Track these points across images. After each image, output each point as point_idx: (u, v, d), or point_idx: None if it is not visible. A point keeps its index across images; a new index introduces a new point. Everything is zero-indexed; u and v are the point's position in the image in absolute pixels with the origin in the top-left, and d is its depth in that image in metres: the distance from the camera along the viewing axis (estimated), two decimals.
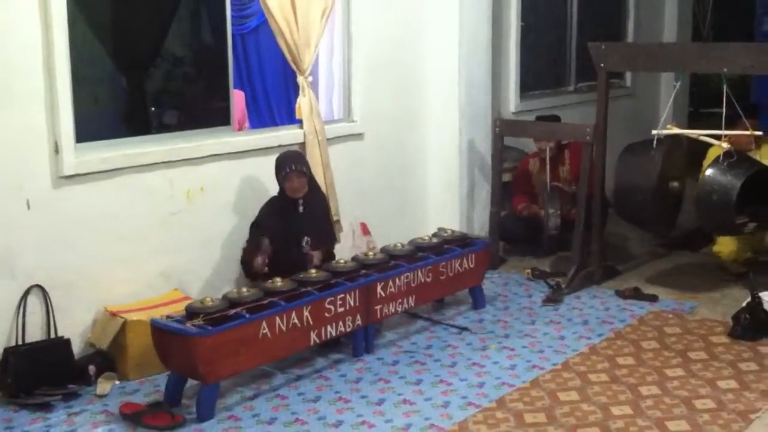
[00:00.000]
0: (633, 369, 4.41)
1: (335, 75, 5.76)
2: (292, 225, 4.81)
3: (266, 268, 4.65)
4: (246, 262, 4.76)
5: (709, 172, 5.17)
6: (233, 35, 5.30)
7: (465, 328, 5.00)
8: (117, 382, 4.29)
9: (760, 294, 4.84)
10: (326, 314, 4.38)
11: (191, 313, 3.99)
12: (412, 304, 4.91)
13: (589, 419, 3.88)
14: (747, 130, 5.21)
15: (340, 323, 4.46)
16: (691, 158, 5.91)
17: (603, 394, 4.13)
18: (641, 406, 3.99)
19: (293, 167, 4.80)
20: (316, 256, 4.87)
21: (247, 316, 4.04)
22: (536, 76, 7.32)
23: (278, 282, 4.34)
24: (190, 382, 4.09)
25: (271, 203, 4.89)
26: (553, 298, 5.45)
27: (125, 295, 4.53)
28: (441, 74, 6.11)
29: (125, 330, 4.29)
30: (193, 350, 3.86)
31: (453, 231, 5.42)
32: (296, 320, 4.22)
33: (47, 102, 4.20)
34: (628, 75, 8.23)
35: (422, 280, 4.90)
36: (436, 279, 4.99)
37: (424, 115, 6.17)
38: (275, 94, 6.30)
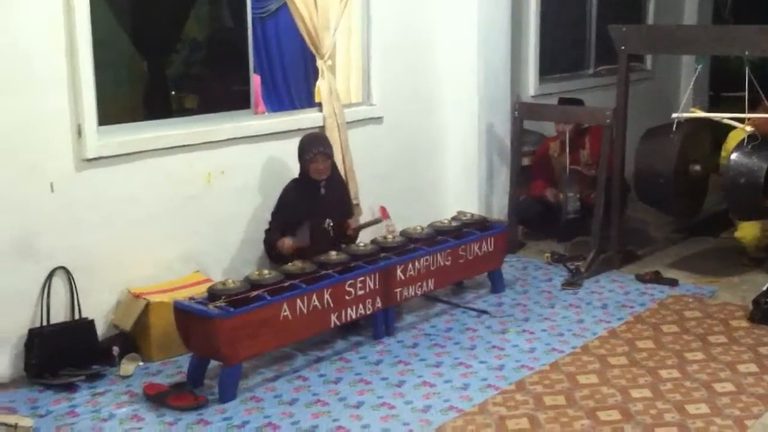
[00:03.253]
0: (652, 352, 4.41)
1: (354, 58, 5.75)
2: (314, 207, 4.84)
3: (292, 251, 4.67)
4: (271, 244, 4.79)
5: (734, 156, 5.15)
6: (253, 19, 5.31)
7: (484, 312, 5.02)
8: (140, 363, 4.34)
9: None
10: (346, 297, 4.40)
11: (213, 294, 4.03)
12: (432, 288, 4.93)
13: (608, 402, 3.89)
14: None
15: (360, 306, 4.48)
16: (714, 142, 5.88)
17: (622, 377, 4.14)
18: (661, 389, 4.00)
19: (320, 149, 4.83)
20: (352, 224, 4.95)
21: (269, 298, 4.07)
22: (556, 59, 7.27)
23: (299, 264, 4.36)
24: (212, 364, 4.13)
25: (293, 185, 4.91)
26: (573, 282, 5.45)
27: (148, 277, 4.57)
28: (459, 57, 6.09)
29: (148, 311, 4.34)
30: (215, 332, 3.90)
31: (472, 214, 5.43)
32: (317, 302, 4.25)
33: (70, 85, 4.23)
34: (648, 58, 8.17)
35: (441, 263, 4.92)
36: (455, 262, 5.00)
37: (443, 99, 6.16)
38: (294, 77, 6.30)
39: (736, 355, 4.35)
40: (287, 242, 4.69)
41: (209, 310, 3.93)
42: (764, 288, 4.86)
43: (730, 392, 3.95)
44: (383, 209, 5.33)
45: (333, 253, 4.55)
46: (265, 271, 4.27)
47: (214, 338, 3.92)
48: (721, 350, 4.42)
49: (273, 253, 4.78)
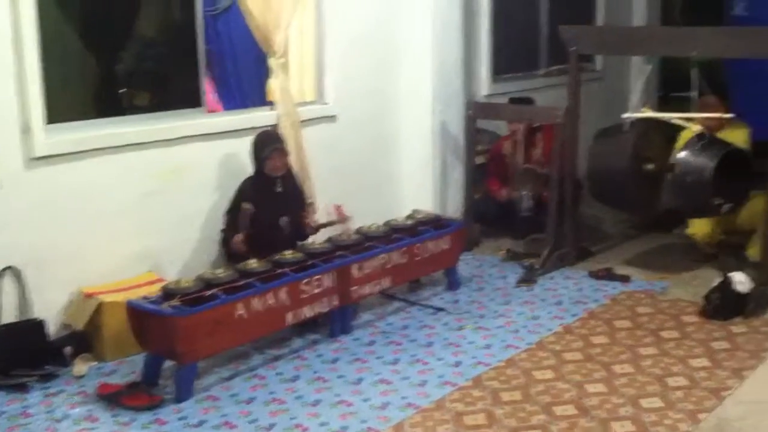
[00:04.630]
0: (607, 348, 4.46)
1: (307, 57, 5.72)
2: (270, 204, 4.81)
3: (245, 247, 4.63)
4: (227, 243, 4.75)
5: (682, 154, 5.22)
6: (204, 16, 5.26)
7: (441, 309, 5.03)
8: (94, 363, 4.26)
9: (731, 274, 4.92)
10: (302, 295, 4.38)
11: (168, 294, 3.98)
12: (388, 285, 4.93)
13: (563, 397, 3.92)
14: (717, 112, 5.26)
15: (317, 304, 4.46)
16: (667, 141, 5.95)
17: (577, 372, 4.18)
18: (615, 383, 4.05)
19: (277, 145, 4.83)
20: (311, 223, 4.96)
21: (224, 296, 4.03)
22: (508, 59, 7.31)
23: (254, 263, 4.33)
24: (168, 363, 4.07)
25: (249, 183, 4.87)
26: (528, 279, 5.49)
27: (100, 276, 4.50)
28: (414, 57, 6.09)
29: (101, 311, 4.27)
30: (170, 331, 3.85)
31: (427, 212, 5.44)
32: (272, 301, 4.22)
33: (16, 82, 4.14)
34: (599, 58, 8.27)
35: (397, 261, 4.92)
36: (411, 260, 5.01)
37: (398, 98, 6.16)
38: (247, 75, 6.25)
39: (689, 350, 4.42)
40: (237, 238, 4.65)
41: (164, 310, 3.88)
42: (715, 284, 4.94)
43: (683, 386, 4.00)
44: (338, 207, 5.30)
45: (288, 252, 4.51)
46: (220, 270, 4.23)
47: (169, 337, 3.87)
48: (674, 345, 4.48)
49: (231, 253, 4.73)
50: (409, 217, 5.33)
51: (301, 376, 4.18)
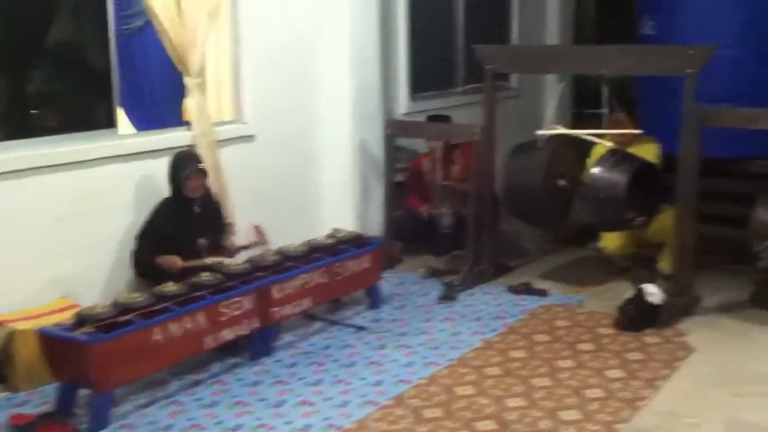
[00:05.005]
0: (525, 362, 4.52)
1: (224, 76, 5.68)
2: (188, 226, 4.75)
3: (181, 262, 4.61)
4: (146, 264, 4.66)
5: (595, 170, 5.34)
6: (117, 35, 5.17)
7: (362, 328, 5.03)
8: (5, 394, 4.12)
9: (644, 286, 5.05)
10: (221, 318, 4.32)
11: (81, 320, 3.88)
12: (309, 306, 4.91)
13: (484, 412, 3.96)
14: (627, 128, 5.41)
15: (236, 327, 4.41)
16: (580, 157, 6.09)
17: (497, 387, 4.22)
18: (534, 397, 4.10)
19: (196, 166, 4.79)
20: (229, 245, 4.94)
21: (139, 321, 3.94)
22: (426, 77, 7.40)
23: (171, 286, 4.25)
24: (83, 391, 3.96)
25: (166, 204, 4.79)
26: (448, 296, 5.54)
27: (12, 303, 4.36)
28: (332, 75, 6.11)
29: (13, 340, 4.13)
30: (84, 358, 3.75)
31: (348, 231, 5.44)
32: (190, 325, 4.15)
33: None
34: (515, 76, 8.43)
35: (318, 280, 4.90)
36: (332, 279, 4.99)
37: (317, 117, 6.16)
38: (162, 95, 6.17)
39: (604, 362, 4.51)
40: (176, 260, 4.57)
41: (78, 337, 3.78)
42: (628, 296, 5.07)
43: (600, 398, 4.09)
44: (257, 228, 5.27)
45: (206, 274, 4.45)
46: (136, 295, 4.15)
47: (83, 365, 3.77)
48: (590, 357, 4.58)
49: (147, 273, 4.64)
50: (329, 236, 5.32)
51: (221, 401, 4.11)
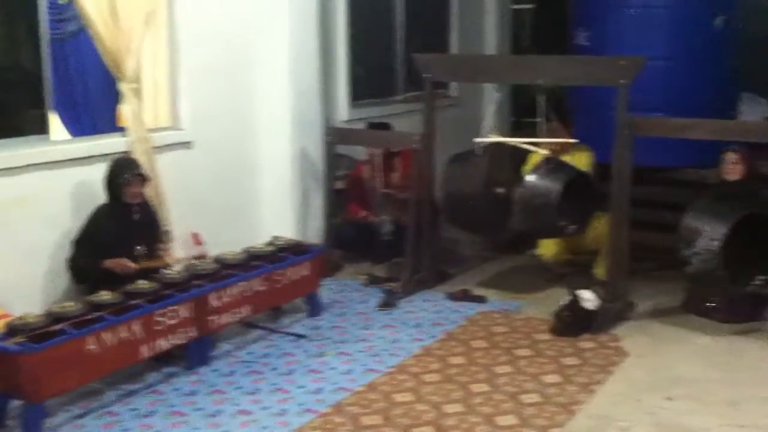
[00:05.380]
0: (464, 368, 4.56)
1: (161, 82, 5.62)
2: (126, 233, 4.68)
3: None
4: (85, 269, 4.59)
5: (530, 178, 5.42)
6: (51, 40, 5.07)
7: (302, 336, 5.01)
8: None
9: (579, 292, 5.14)
10: (157, 327, 4.26)
11: (13, 330, 3.81)
12: (248, 314, 4.87)
13: (422, 419, 3.97)
14: (561, 137, 5.50)
15: (173, 336, 4.35)
16: (517, 165, 6.18)
17: (436, 393, 4.25)
18: (472, 403, 4.14)
19: (135, 171, 4.73)
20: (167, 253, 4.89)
21: (72, 331, 3.87)
22: (367, 85, 7.43)
23: (105, 295, 4.19)
24: (15, 402, 3.88)
25: (104, 210, 4.72)
26: (388, 303, 5.55)
27: None
28: (272, 82, 6.09)
29: None
30: (16, 369, 3.68)
31: (287, 239, 5.42)
32: (125, 334, 4.09)
33: None
34: (454, 85, 8.51)
35: (257, 288, 4.87)
36: (271, 287, 4.97)
37: (256, 123, 6.13)
38: (97, 100, 6.07)
39: (541, 367, 4.57)
40: (127, 262, 4.52)
41: (9, 347, 3.70)
42: (564, 302, 5.15)
43: (536, 403, 4.14)
44: (195, 235, 5.22)
45: (143, 282, 4.39)
46: (69, 304, 4.07)
47: (15, 376, 3.70)
48: (527, 362, 4.63)
49: (89, 279, 4.57)
50: (269, 243, 5.30)
51: (157, 411, 4.06)
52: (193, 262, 4.95)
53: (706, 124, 5.27)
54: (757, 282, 5.02)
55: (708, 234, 4.85)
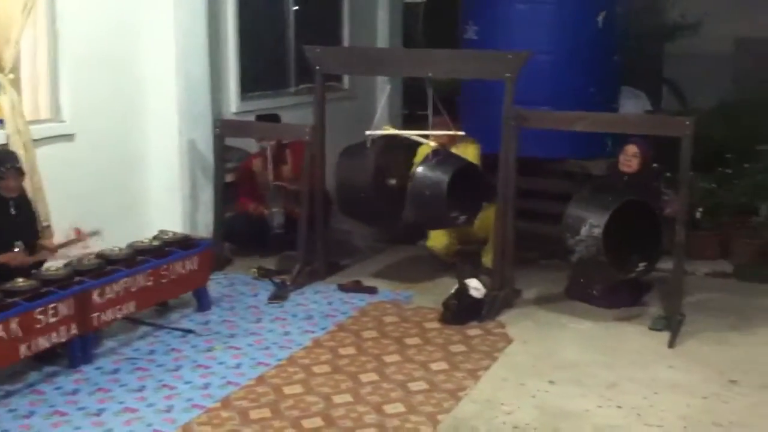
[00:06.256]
0: (354, 358, 4.59)
1: (42, 73, 5.43)
2: (3, 228, 4.51)
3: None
4: None
5: (419, 169, 5.48)
6: None
7: (190, 331, 4.94)
8: None
9: (467, 281, 5.23)
10: (37, 325, 4.13)
11: None
12: (133, 310, 4.77)
13: (311, 410, 3.98)
14: (446, 129, 5.58)
15: (53, 334, 4.23)
16: (409, 157, 6.23)
17: (326, 384, 4.26)
18: (361, 392, 4.17)
19: (12, 165, 4.58)
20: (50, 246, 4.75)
21: None
22: (257, 77, 7.35)
23: None
24: None
25: None
26: (279, 296, 5.53)
27: None
28: (159, 72, 5.97)
29: None
30: None
31: (175, 233, 5.33)
32: (2, 333, 3.94)
33: None
34: (347, 77, 8.52)
35: (142, 284, 4.77)
36: (157, 282, 4.87)
37: (143, 115, 5.99)
38: None
39: (429, 355, 4.64)
40: (17, 254, 4.40)
41: None
42: (452, 291, 5.23)
43: (424, 390, 4.20)
44: (78, 231, 5.06)
45: (20, 279, 4.24)
46: None
47: None
48: (416, 351, 4.69)
49: None
50: (155, 238, 5.19)
51: (37, 411, 3.94)
52: (75, 258, 4.80)
53: (589, 117, 5.42)
54: (639, 269, 5.22)
55: (591, 222, 5.02)
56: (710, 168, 6.54)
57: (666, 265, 5.28)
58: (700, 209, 6.35)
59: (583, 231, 5.03)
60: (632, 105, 7.62)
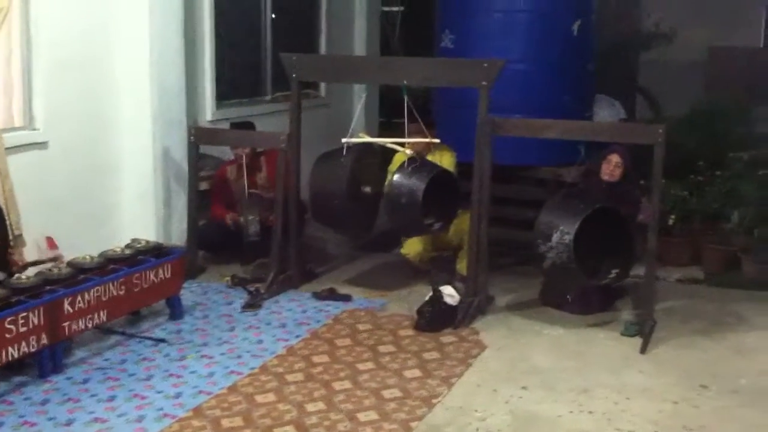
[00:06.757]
0: (327, 366, 4.58)
1: (15, 80, 5.39)
2: None
3: None
4: None
5: (396, 177, 5.49)
6: None
7: (162, 340, 4.91)
8: None
9: (441, 288, 5.24)
10: (6, 335, 4.08)
11: None
12: (105, 319, 4.73)
13: (284, 418, 3.97)
14: (420, 137, 5.60)
15: (23, 343, 4.18)
16: (384, 165, 6.25)
17: (299, 392, 4.25)
18: (334, 400, 4.16)
19: None
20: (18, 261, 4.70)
21: None
22: (233, 84, 7.35)
23: None
24: None
25: None
26: (253, 304, 5.51)
27: None
28: (133, 80, 5.94)
29: None
30: None
31: (147, 241, 5.30)
32: None
33: None
34: (323, 85, 8.53)
35: (114, 293, 4.74)
36: (129, 291, 4.84)
37: (117, 123, 5.96)
38: None
39: (403, 362, 4.64)
40: None
41: None
42: (426, 298, 5.24)
43: (397, 397, 4.20)
44: (50, 239, 5.03)
45: None
46: None
47: None
48: (390, 359, 4.69)
49: None
50: (127, 246, 5.16)
51: (5, 422, 3.89)
52: (46, 267, 4.76)
53: (562, 125, 5.47)
54: (611, 276, 5.25)
55: (562, 228, 5.04)
56: (682, 175, 6.60)
57: (638, 271, 5.32)
58: (672, 216, 6.41)
59: (555, 237, 5.06)
60: (607, 113, 7.67)
